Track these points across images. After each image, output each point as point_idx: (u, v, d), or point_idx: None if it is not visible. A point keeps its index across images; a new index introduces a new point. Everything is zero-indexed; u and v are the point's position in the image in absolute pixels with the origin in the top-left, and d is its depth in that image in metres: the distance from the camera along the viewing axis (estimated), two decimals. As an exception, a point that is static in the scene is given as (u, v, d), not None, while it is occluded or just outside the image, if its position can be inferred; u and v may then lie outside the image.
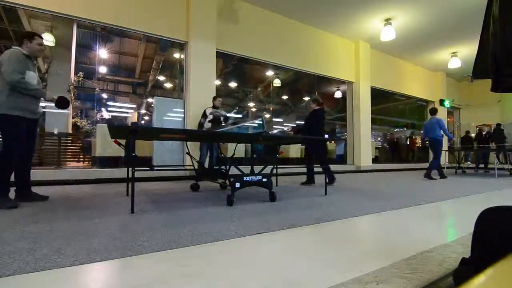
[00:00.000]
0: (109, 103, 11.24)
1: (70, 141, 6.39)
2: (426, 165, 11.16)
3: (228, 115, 5.57)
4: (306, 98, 13.35)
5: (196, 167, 4.29)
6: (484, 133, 9.33)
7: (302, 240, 1.59)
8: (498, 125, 9.44)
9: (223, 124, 5.02)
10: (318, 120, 4.52)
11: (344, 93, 9.69)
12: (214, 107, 5.09)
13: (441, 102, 11.45)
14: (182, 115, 5.78)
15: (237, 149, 5.19)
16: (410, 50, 9.44)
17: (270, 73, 10.16)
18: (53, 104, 2.72)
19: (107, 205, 2.58)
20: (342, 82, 9.04)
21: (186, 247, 1.42)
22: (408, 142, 12.32)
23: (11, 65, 2.43)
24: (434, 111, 6.19)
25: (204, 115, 5.02)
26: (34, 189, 2.90)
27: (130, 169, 2.50)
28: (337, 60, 8.47)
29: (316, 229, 1.82)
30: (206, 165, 4.98)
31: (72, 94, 7.26)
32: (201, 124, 5.01)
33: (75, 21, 5.17)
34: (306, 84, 11.76)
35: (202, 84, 5.70)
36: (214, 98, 5.15)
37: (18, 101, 2.50)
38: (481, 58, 0.94)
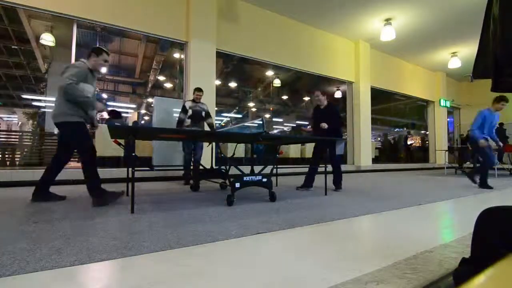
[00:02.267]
0: (109, 103, 11.24)
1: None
2: (425, 165, 11.23)
3: (229, 115, 5.37)
4: (306, 98, 13.35)
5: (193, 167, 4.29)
6: None
7: (302, 240, 1.59)
8: (501, 124, 9.41)
9: (203, 122, 4.58)
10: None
11: (344, 93, 9.69)
12: (193, 100, 4.57)
13: (441, 102, 11.45)
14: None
15: (237, 149, 5.18)
16: (410, 50, 9.44)
17: (270, 73, 10.15)
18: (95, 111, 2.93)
19: (107, 205, 2.58)
20: (342, 82, 9.04)
21: (186, 247, 1.42)
22: (407, 142, 12.33)
23: (69, 72, 2.58)
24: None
25: (184, 110, 4.45)
26: (32, 189, 2.89)
27: (130, 169, 2.50)
28: (337, 60, 8.47)
29: (316, 229, 1.82)
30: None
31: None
32: (180, 121, 4.43)
33: (75, 21, 5.16)
34: (306, 84, 11.75)
35: (202, 84, 5.66)
36: (193, 92, 4.64)
37: (78, 109, 2.67)
38: (481, 58, 0.94)
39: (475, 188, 4.18)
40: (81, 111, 2.70)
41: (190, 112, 4.45)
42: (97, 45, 3.05)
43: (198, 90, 4.62)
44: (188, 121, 4.45)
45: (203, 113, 4.58)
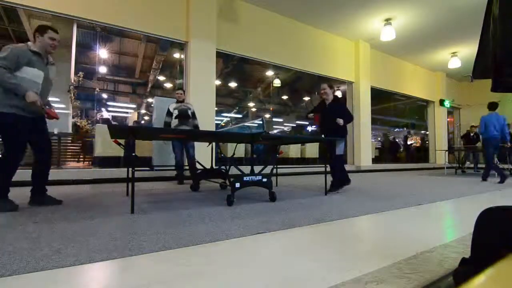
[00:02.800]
0: (109, 103, 11.24)
1: (70, 141, 6.40)
2: (425, 165, 11.23)
3: (230, 115, 5.34)
4: (306, 98, 13.36)
5: (196, 167, 4.29)
6: (472, 134, 9.33)
7: (302, 240, 1.59)
8: None
9: (191, 120, 4.60)
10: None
11: (344, 93, 9.69)
12: (177, 101, 4.69)
13: (441, 102, 11.45)
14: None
15: (237, 149, 5.18)
16: (410, 50, 9.44)
17: (270, 73, 10.16)
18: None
19: (107, 205, 2.58)
20: (342, 82, 9.03)
21: (186, 247, 1.42)
22: (407, 142, 12.34)
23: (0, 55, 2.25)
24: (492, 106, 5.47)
25: (169, 113, 4.59)
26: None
27: (130, 169, 2.50)
28: (337, 60, 8.47)
29: (316, 229, 1.82)
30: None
31: (72, 94, 7.26)
32: (167, 124, 4.55)
33: (75, 21, 5.17)
34: (306, 84, 11.76)
35: (202, 84, 5.70)
36: (176, 92, 4.79)
37: (12, 98, 2.29)
38: (481, 58, 0.94)
39: (475, 188, 4.18)
40: (16, 100, 2.30)
41: (176, 112, 4.52)
42: (44, 24, 2.48)
43: (178, 89, 4.81)
44: (176, 121, 4.48)
45: (189, 112, 4.62)
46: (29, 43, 2.45)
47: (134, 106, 12.25)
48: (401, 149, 12.84)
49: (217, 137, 3.65)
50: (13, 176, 2.43)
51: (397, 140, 13.25)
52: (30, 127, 2.44)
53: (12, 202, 2.37)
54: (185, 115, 4.55)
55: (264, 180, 2.83)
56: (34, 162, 2.58)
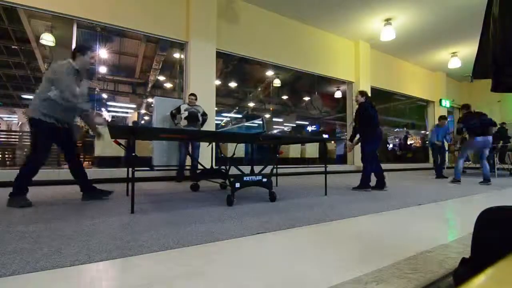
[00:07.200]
0: (109, 103, 11.24)
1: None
2: (425, 165, 11.22)
3: (230, 115, 5.57)
4: (306, 98, 13.35)
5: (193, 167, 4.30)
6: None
7: (302, 240, 1.59)
8: (502, 123, 9.39)
9: (199, 122, 4.86)
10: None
11: (344, 93, 9.69)
12: (189, 103, 4.93)
13: (440, 102, 11.45)
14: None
15: (237, 149, 5.19)
16: (410, 50, 9.44)
17: (270, 73, 10.16)
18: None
19: (107, 205, 2.58)
20: (342, 82, 9.04)
21: (186, 247, 1.42)
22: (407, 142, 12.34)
23: (68, 80, 2.57)
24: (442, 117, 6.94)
25: (178, 109, 4.85)
26: (34, 189, 2.89)
27: (130, 169, 2.50)
28: (337, 60, 8.47)
29: (316, 229, 1.82)
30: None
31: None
32: (173, 115, 4.83)
33: (75, 21, 5.15)
34: (306, 84, 11.75)
35: (202, 84, 5.70)
36: (188, 96, 5.04)
37: (51, 109, 2.61)
38: (481, 58, 0.94)
39: (475, 188, 4.18)
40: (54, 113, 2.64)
41: (186, 113, 4.77)
42: (80, 44, 3.04)
43: (191, 94, 5.02)
44: (185, 122, 4.74)
45: (199, 115, 4.89)
46: (71, 61, 2.72)
47: (134, 106, 12.25)
48: (401, 149, 12.84)
49: (217, 137, 3.65)
50: (33, 176, 2.65)
51: (397, 139, 13.26)
52: (59, 134, 2.73)
53: (27, 200, 2.55)
54: (194, 118, 4.80)
55: (264, 180, 2.83)
56: (68, 166, 2.91)
